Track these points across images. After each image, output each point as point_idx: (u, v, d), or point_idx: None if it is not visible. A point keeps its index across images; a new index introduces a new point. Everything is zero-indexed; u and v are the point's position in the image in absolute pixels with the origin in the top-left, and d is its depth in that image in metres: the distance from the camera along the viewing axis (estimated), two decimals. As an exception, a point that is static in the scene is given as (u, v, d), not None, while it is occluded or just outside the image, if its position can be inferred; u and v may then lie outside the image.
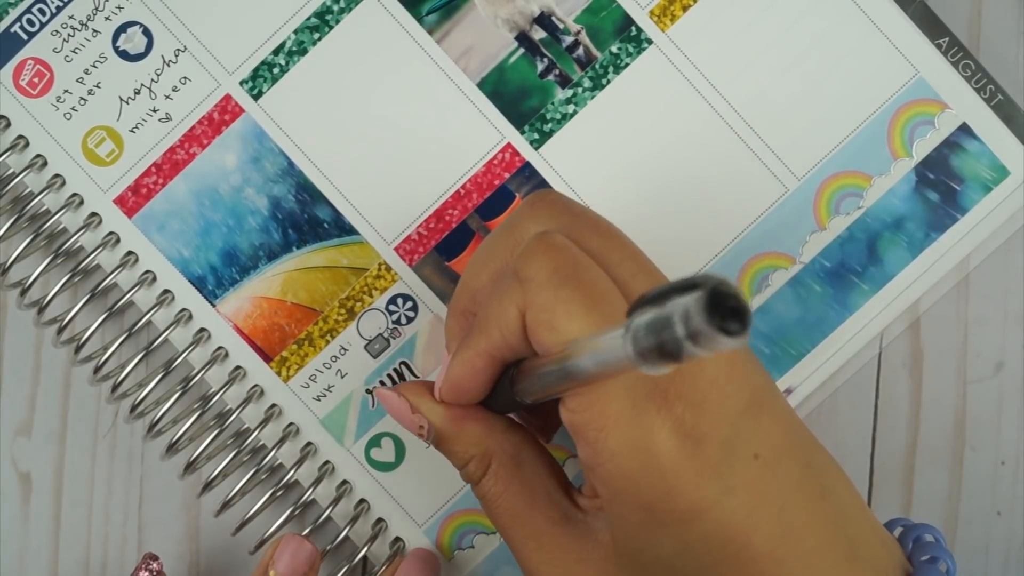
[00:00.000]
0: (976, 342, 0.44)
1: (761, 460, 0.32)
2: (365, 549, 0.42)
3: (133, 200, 0.42)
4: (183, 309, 0.42)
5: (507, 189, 0.42)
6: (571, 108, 0.42)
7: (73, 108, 0.43)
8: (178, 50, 0.42)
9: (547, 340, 0.32)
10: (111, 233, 0.42)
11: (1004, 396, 0.44)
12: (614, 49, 0.42)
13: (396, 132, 0.43)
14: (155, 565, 0.41)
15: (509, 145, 0.42)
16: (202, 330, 0.42)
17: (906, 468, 0.44)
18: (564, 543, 0.35)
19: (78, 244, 0.42)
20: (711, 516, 0.32)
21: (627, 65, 0.42)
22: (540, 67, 0.42)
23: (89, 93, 0.43)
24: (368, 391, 0.42)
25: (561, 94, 0.42)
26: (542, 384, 0.32)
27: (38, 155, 0.42)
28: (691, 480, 0.31)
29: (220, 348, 0.42)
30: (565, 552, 0.35)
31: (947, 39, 0.42)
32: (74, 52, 0.42)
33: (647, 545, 0.33)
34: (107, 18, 0.42)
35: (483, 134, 0.42)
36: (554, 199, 0.36)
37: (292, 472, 0.42)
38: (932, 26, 0.42)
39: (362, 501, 0.42)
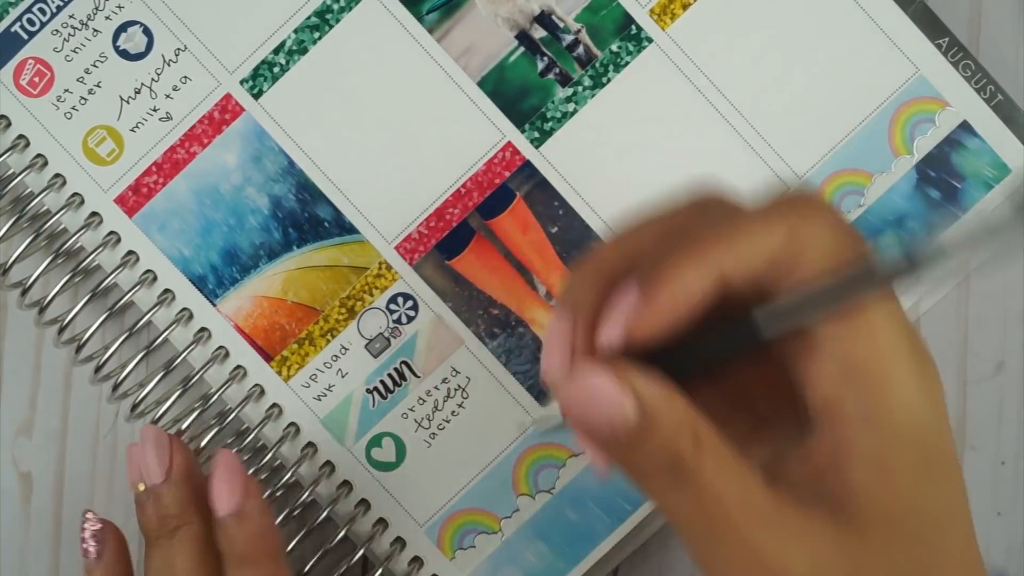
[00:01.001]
0: (976, 342, 0.44)
1: None
2: (363, 549, 0.42)
3: (134, 199, 0.42)
4: (184, 308, 0.42)
5: (507, 188, 0.42)
6: (571, 107, 0.42)
7: (73, 108, 0.43)
8: (178, 49, 0.42)
9: (824, 267, 0.27)
10: (112, 233, 0.42)
11: (1004, 396, 0.44)
12: (614, 48, 0.42)
13: (396, 131, 0.43)
14: (89, 526, 0.38)
15: (509, 144, 0.42)
16: (203, 329, 0.42)
17: (907, 468, 0.44)
18: (795, 522, 0.28)
19: (78, 244, 0.42)
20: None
21: (627, 64, 0.42)
22: (540, 66, 0.42)
23: (89, 92, 0.42)
24: (371, 389, 0.42)
25: (561, 93, 0.42)
26: (819, 298, 0.27)
27: (39, 155, 0.42)
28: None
29: (221, 347, 0.42)
30: (811, 534, 0.28)
31: (947, 39, 0.42)
32: (74, 52, 0.42)
33: (918, 501, 0.29)
34: (107, 17, 0.42)
35: (483, 133, 0.42)
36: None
37: (291, 472, 0.42)
38: (932, 26, 0.42)
39: (362, 501, 0.42)
